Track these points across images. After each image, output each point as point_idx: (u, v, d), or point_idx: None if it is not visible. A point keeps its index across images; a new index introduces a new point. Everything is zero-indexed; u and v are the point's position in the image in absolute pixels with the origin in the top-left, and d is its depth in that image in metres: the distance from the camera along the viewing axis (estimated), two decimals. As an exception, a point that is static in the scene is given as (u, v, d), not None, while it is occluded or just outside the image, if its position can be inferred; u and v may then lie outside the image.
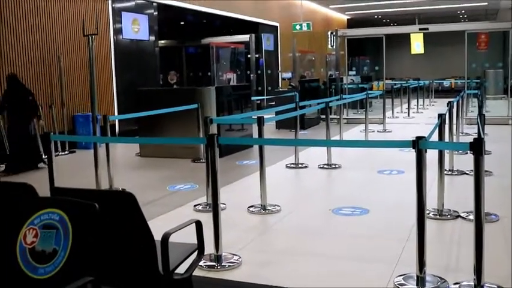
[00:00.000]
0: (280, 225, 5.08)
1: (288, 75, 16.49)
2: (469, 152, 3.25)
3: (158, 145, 8.85)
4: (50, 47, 9.86)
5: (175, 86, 11.62)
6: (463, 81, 15.72)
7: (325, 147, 7.94)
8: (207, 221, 3.85)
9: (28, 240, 2.12)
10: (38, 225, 2.12)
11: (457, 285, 3.44)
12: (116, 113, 11.37)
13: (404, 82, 19.75)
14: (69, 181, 6.47)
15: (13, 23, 9.11)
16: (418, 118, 15.17)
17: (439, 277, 3.56)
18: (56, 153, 9.20)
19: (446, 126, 6.20)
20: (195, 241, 2.85)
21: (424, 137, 3.46)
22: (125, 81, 11.71)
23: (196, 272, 3.47)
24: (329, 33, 21.96)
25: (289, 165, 7.93)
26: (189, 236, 2.88)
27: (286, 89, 14.17)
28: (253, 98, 13.19)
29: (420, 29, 16.56)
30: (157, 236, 2.54)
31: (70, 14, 10.30)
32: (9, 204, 2.33)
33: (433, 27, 15.60)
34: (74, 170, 8.32)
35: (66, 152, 9.76)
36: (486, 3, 22.41)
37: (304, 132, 12.03)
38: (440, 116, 5.23)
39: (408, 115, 15.89)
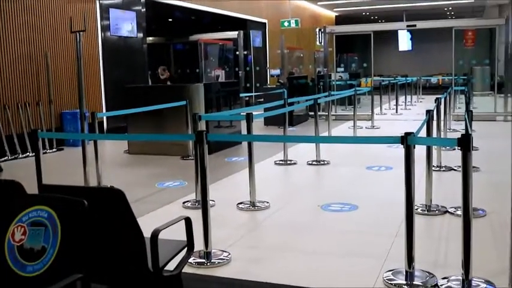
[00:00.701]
0: (269, 221, 5.08)
1: (277, 72, 16.50)
2: (456, 148, 3.27)
3: (147, 142, 8.83)
4: (37, 43, 9.78)
5: (169, 83, 11.47)
6: (451, 77, 15.80)
7: (314, 144, 7.97)
8: (196, 218, 3.84)
9: (16, 238, 2.10)
10: (26, 222, 2.11)
11: (446, 280, 3.47)
12: (104, 110, 11.32)
13: (392, 79, 19.84)
14: (57, 178, 6.39)
15: (0, 20, 9.03)
16: (406, 114, 15.25)
17: (428, 272, 3.58)
18: (44, 151, 9.15)
19: (434, 123, 6.23)
20: (185, 238, 2.85)
21: (413, 132, 3.47)
22: (113, 78, 11.64)
23: (186, 269, 3.46)
24: (317, 30, 21.99)
25: (278, 162, 7.94)
26: (178, 233, 2.87)
27: (274, 86, 14.18)
28: (241, 95, 13.18)
29: (408, 26, 16.62)
30: (147, 233, 2.53)
31: (58, 11, 10.22)
32: (-3, 201, 2.31)
33: (421, 24, 15.65)
34: (61, 168, 8.27)
35: (54, 150, 9.70)
36: (473, 0, 22.54)
37: (293, 128, 12.05)
38: (428, 112, 5.26)
39: (396, 111, 15.97)
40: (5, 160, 8.73)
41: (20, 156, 8.98)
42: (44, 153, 8.76)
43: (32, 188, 2.67)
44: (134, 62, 12.45)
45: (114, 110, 9.58)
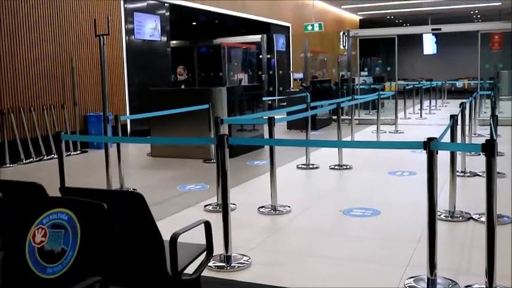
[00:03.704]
0: (290, 226, 5.06)
1: (300, 75, 16.46)
2: (481, 153, 3.22)
3: (169, 145, 8.86)
4: (62, 47, 9.91)
5: (183, 86, 11.51)
6: (476, 82, 15.61)
7: (337, 148, 7.92)
8: (218, 221, 3.84)
9: (37, 240, 2.13)
10: (47, 224, 2.13)
11: (469, 288, 3.41)
12: (128, 113, 11.41)
13: (417, 83, 19.65)
14: (80, 180, 6.50)
15: (27, 23, 9.16)
16: (431, 119, 15.08)
17: (450, 280, 3.52)
18: (68, 153, 9.28)
19: (459, 128, 6.15)
20: (205, 241, 2.84)
21: (436, 138, 3.43)
22: (137, 81, 11.75)
23: (206, 273, 3.46)
24: (341, 33, 21.91)
25: (300, 166, 7.91)
26: (198, 237, 2.87)
27: (297, 90, 14.14)
28: (264, 99, 13.17)
29: (433, 30, 16.46)
30: (167, 236, 2.53)
31: (82, 15, 10.35)
32: (19, 203, 2.34)
33: (446, 28, 15.49)
34: (85, 170, 8.35)
35: (78, 152, 9.80)
36: (500, 3, 22.24)
37: (316, 132, 11.99)
38: (453, 117, 5.19)
39: (420, 116, 15.80)
40: (30, 162, 8.86)
41: (45, 158, 9.10)
42: (68, 155, 8.88)
43: (54, 190, 2.70)
44: (158, 66, 12.54)
45: (137, 113, 9.66)
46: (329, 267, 3.94)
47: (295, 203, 5.64)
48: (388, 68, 20.05)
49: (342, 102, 9.66)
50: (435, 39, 27.27)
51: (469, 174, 6.90)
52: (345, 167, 7.73)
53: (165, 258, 2.50)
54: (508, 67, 19.37)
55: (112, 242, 2.25)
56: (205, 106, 8.52)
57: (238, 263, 3.94)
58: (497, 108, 12.56)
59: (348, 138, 9.36)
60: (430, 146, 3.36)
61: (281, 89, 17.92)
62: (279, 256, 4.23)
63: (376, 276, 3.73)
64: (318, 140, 10.28)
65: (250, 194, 6.31)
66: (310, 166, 7.87)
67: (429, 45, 27.45)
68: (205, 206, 5.68)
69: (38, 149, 9.13)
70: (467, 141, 7.83)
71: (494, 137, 4.30)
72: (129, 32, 11.67)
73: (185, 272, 2.66)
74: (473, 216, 4.98)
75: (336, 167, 7.75)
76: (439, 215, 4.83)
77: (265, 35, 18.34)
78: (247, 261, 3.98)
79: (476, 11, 24.98)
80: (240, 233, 4.55)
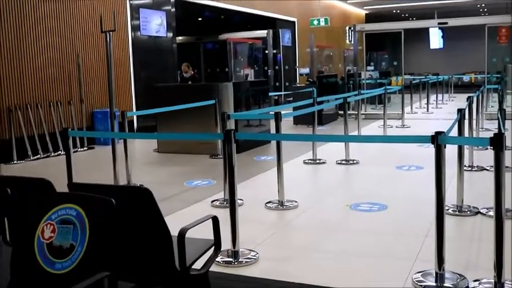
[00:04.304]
0: (297, 221, 5.06)
1: (306, 70, 16.43)
2: (489, 147, 3.20)
3: (176, 141, 8.87)
4: (68, 43, 9.92)
5: (190, 82, 11.54)
6: (483, 76, 15.54)
7: (343, 143, 7.90)
8: (225, 217, 3.85)
9: (46, 235, 2.14)
10: (56, 220, 2.14)
11: (477, 283, 3.40)
12: (134, 109, 11.43)
13: (423, 77, 19.58)
14: (88, 177, 6.51)
15: (33, 20, 9.17)
16: (437, 113, 15.04)
17: (459, 274, 3.51)
18: (75, 149, 9.30)
19: (466, 122, 6.12)
20: (212, 237, 2.85)
21: (443, 132, 3.41)
22: (143, 77, 11.76)
23: (213, 268, 3.47)
24: (347, 28, 21.85)
25: (307, 161, 7.90)
26: (206, 232, 2.87)
27: (304, 85, 14.12)
28: (270, 94, 13.16)
29: (439, 24, 16.39)
30: (174, 232, 2.53)
31: (88, 11, 10.36)
32: (27, 199, 2.35)
33: (453, 22, 15.42)
34: (92, 166, 8.37)
35: (85, 148, 9.83)
36: (507, -3, 22.11)
37: (322, 127, 11.98)
38: (460, 111, 5.16)
39: (427, 110, 15.76)
40: (38, 158, 8.89)
41: (52, 154, 9.13)
42: (75, 151, 8.91)
43: (62, 186, 2.71)
44: (164, 62, 12.54)
45: (144, 109, 9.67)
46: (336, 262, 3.94)
47: (302, 198, 5.64)
48: (395, 63, 19.96)
49: (349, 97, 9.63)
50: (442, 34, 27.14)
51: (476, 169, 6.88)
52: (351, 161, 7.72)
53: (173, 254, 2.50)
54: (515, 61, 19.27)
55: (120, 237, 2.26)
56: (212, 102, 8.53)
57: (245, 258, 3.94)
58: (504, 102, 12.50)
59: (355, 133, 9.35)
60: (438, 140, 3.35)
61: (287, 84, 17.90)
62: (287, 251, 4.23)
63: (384, 270, 3.73)
64: (325, 134, 10.28)
65: (257, 189, 6.31)
66: (317, 161, 7.86)
67: (436, 40, 27.32)
68: (212, 201, 5.69)
69: (45, 145, 9.16)
70: (474, 135, 7.80)
71: (503, 131, 4.28)
72: (135, 28, 11.68)
73: (193, 267, 2.66)
74: (481, 211, 4.96)
75: (343, 161, 7.74)
76: (447, 210, 4.81)
77: (271, 30, 18.32)
78: (254, 256, 3.98)
79: (483, 5, 24.84)
80: (248, 228, 4.56)
